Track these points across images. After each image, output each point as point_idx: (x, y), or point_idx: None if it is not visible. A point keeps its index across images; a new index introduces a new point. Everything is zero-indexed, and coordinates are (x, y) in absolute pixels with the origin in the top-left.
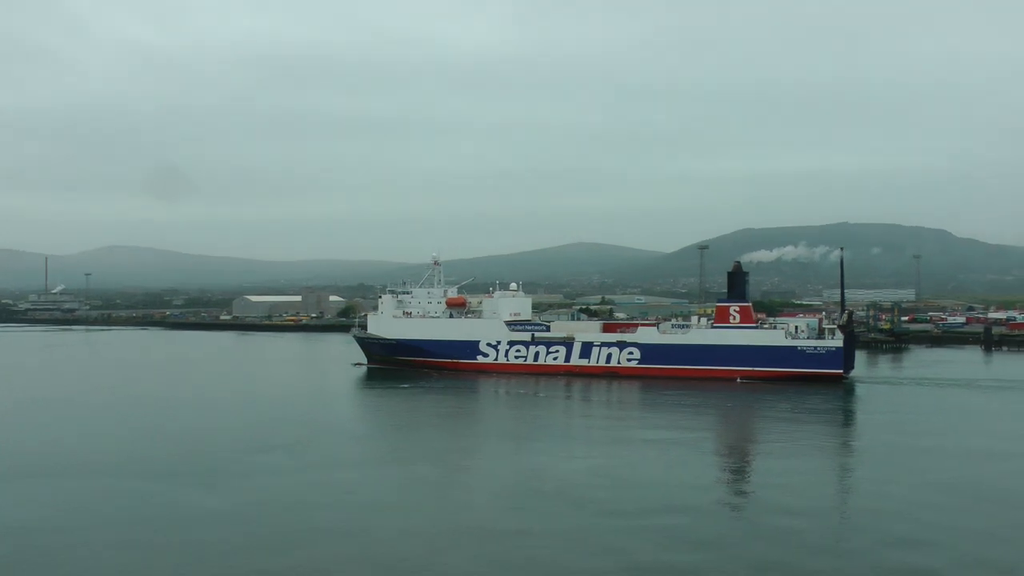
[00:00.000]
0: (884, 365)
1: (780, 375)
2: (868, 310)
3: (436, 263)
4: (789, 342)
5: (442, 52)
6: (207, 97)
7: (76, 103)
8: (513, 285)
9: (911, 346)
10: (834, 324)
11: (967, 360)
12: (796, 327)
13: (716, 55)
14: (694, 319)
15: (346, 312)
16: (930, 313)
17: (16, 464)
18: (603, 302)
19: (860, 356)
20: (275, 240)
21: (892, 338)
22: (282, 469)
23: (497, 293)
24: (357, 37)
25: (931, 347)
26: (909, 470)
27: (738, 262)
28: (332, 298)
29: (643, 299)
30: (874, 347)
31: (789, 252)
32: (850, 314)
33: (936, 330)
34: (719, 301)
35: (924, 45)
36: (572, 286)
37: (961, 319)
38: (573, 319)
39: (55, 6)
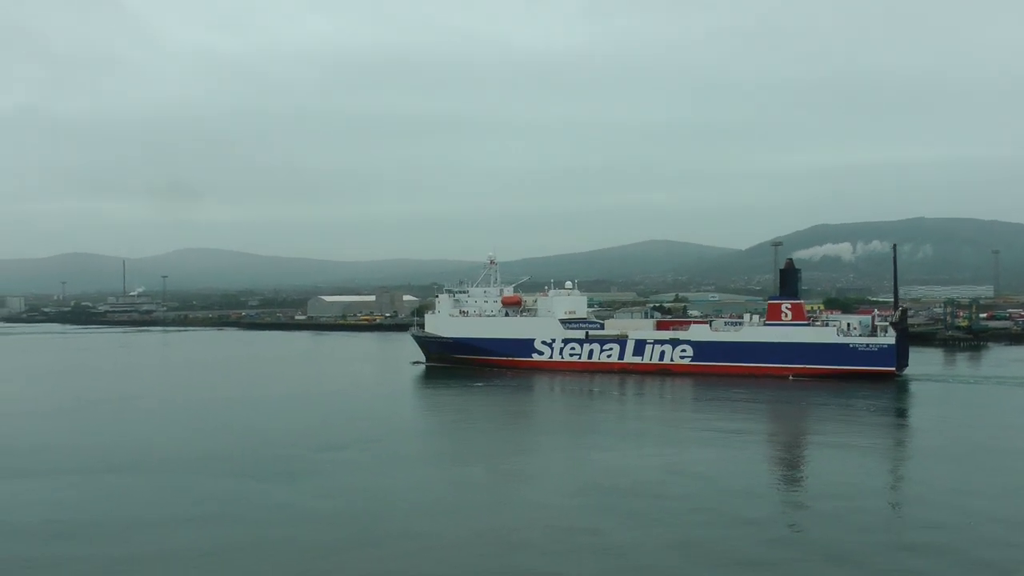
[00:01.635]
0: (961, 363)
1: (832, 372)
2: (945, 307)
3: (492, 262)
4: (841, 339)
5: (512, 51)
6: (278, 100)
7: (149, 110)
8: (568, 283)
9: (990, 344)
10: (887, 321)
11: None
12: (848, 324)
13: (788, 47)
14: (746, 316)
15: (420, 311)
16: (1009, 310)
17: (97, 460)
18: (677, 300)
19: (937, 354)
20: (349, 240)
21: (970, 336)
22: (356, 467)
23: (552, 292)
24: (427, 37)
25: (1010, 345)
26: (961, 468)
27: (790, 259)
28: (406, 297)
29: (717, 296)
30: (951, 345)
31: (856, 248)
32: (903, 311)
33: (1016, 327)
34: (770, 299)
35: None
36: (646, 284)
37: None
38: (646, 317)
39: (127, 16)
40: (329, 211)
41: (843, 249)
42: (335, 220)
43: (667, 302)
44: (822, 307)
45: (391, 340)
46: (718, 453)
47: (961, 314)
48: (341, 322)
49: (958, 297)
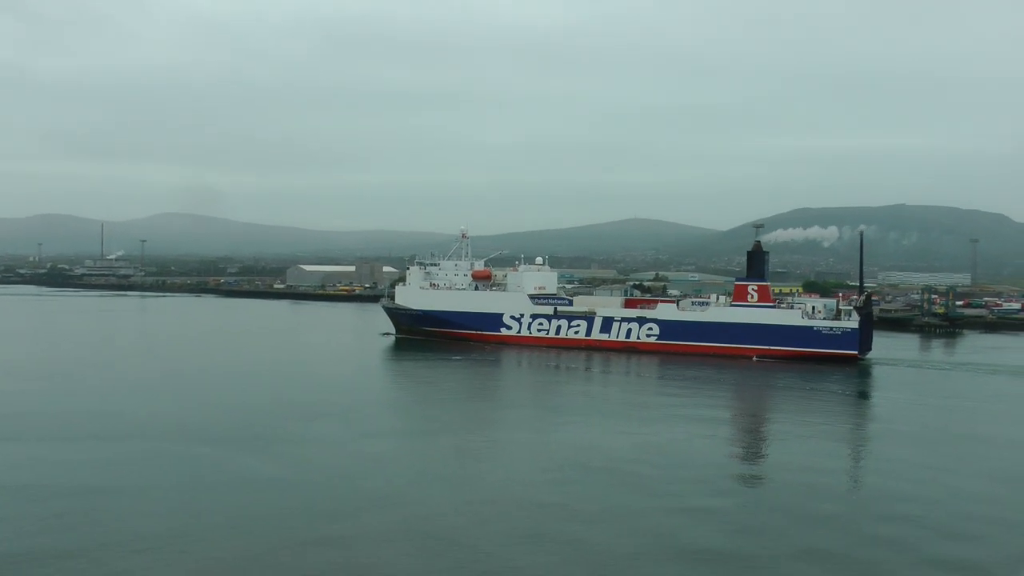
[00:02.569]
0: (936, 350)
1: (795, 354)
2: (922, 293)
3: (464, 236)
4: (805, 322)
5: (504, 25)
6: (264, 66)
7: (133, 72)
8: (539, 259)
9: (965, 331)
10: (851, 306)
11: (1021, 347)
12: (813, 307)
13: (779, 33)
14: (713, 297)
15: (400, 283)
16: (985, 298)
17: (73, 427)
18: (657, 279)
19: (912, 340)
20: (329, 210)
21: (946, 323)
22: (328, 438)
23: (522, 267)
24: (418, 9)
25: (985, 333)
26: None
27: (758, 241)
28: (386, 269)
29: (697, 276)
30: (927, 331)
31: (832, 232)
32: (868, 296)
33: (991, 316)
34: (737, 280)
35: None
36: (626, 262)
37: (1017, 305)
38: (626, 295)
39: None
40: (313, 180)
41: (824, 233)
42: (318, 190)
43: (647, 280)
44: (800, 290)
45: (369, 311)
46: (685, 431)
47: (938, 301)
48: (320, 292)
49: (936, 284)
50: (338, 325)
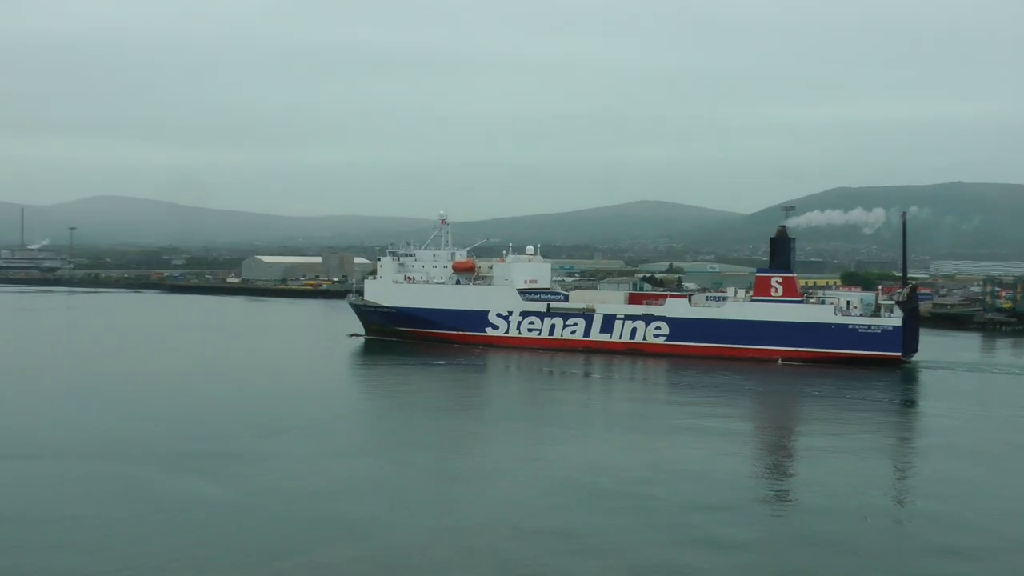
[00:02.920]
0: (1003, 351)
1: (827, 356)
2: (984, 285)
3: (444, 222)
4: (839, 319)
5: None
6: (211, 25)
7: (56, 33)
8: (529, 248)
9: None
10: (893, 300)
11: None
12: (848, 302)
13: None
14: (730, 291)
15: (371, 276)
16: None
17: None
18: (671, 270)
19: (973, 340)
20: (293, 193)
21: (1014, 319)
22: (289, 457)
23: (510, 257)
24: None
25: None
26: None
27: (782, 227)
28: (357, 260)
29: (717, 267)
30: (991, 329)
31: (877, 216)
32: (912, 288)
33: None
34: (758, 271)
35: None
36: (635, 251)
37: None
38: (636, 289)
39: None
40: (272, 158)
41: (866, 217)
42: (279, 169)
43: (659, 272)
44: (837, 282)
45: (337, 309)
46: (700, 450)
47: (1003, 294)
48: (281, 287)
49: (1000, 275)
50: (301, 325)
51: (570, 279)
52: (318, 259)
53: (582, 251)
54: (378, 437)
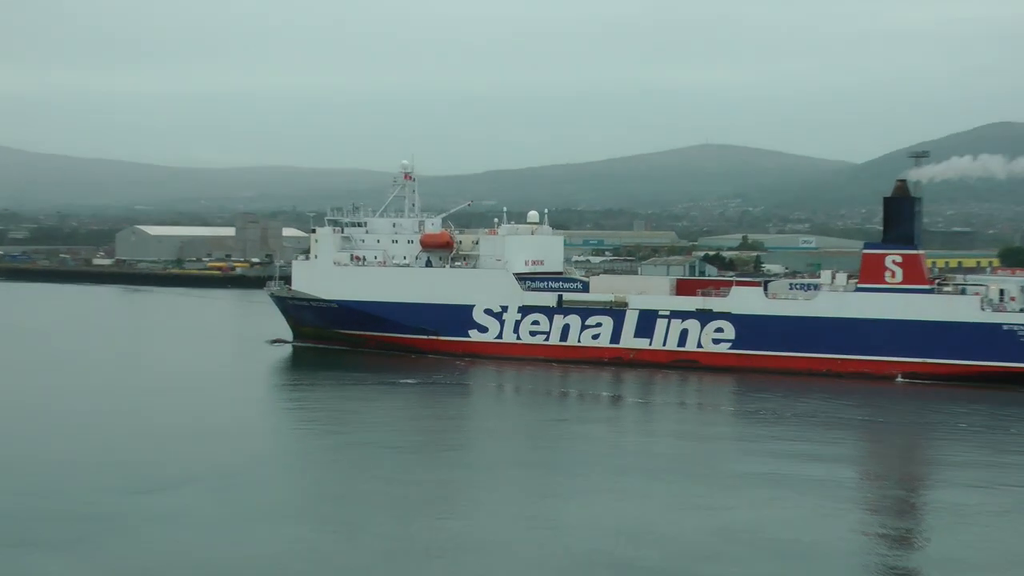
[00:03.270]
0: None
1: (971, 371)
2: None
3: (408, 176)
4: (989, 317)
5: None
6: None
7: None
8: (533, 214)
9: None
10: None
11: None
12: (1003, 292)
13: None
14: (825, 275)
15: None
16: None
17: None
18: (746, 245)
19: None
20: (191, 134)
21: None
22: (189, 521)
23: (504, 228)
24: None
25: None
26: None
27: (903, 181)
28: (288, 232)
29: (813, 241)
30: None
31: None
32: None
33: None
34: (867, 247)
35: None
36: (693, 218)
37: None
38: (694, 273)
39: None
40: (159, 81)
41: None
42: (170, 100)
43: (729, 249)
44: (995, 263)
45: (258, 304)
46: (789, 510)
47: None
48: (175, 271)
49: None
50: (205, 328)
51: (597, 259)
52: (230, 230)
53: (616, 219)
54: (315, 492)
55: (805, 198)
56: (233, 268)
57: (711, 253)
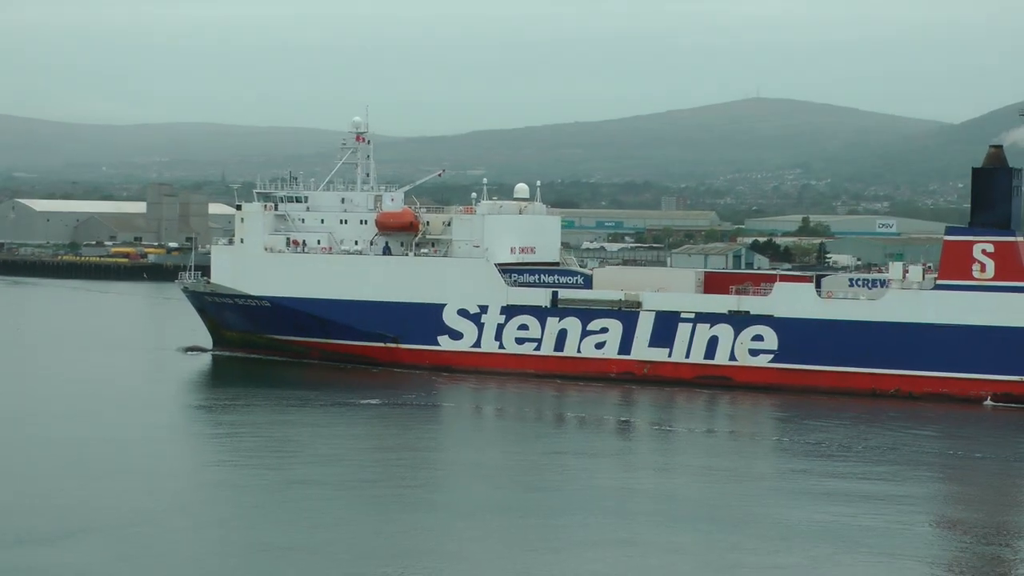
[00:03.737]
0: None
1: None
2: None
3: (359, 137)
4: None
5: None
6: None
7: None
8: (521, 188)
9: None
10: None
11: None
12: None
13: None
14: (895, 268)
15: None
16: None
17: None
18: (807, 229)
19: None
20: (85, 80)
21: None
22: None
23: (483, 205)
24: None
25: None
26: None
27: (997, 147)
28: (214, 208)
29: (893, 224)
30: None
31: None
32: None
33: None
34: (949, 232)
35: None
36: (737, 194)
37: None
38: (740, 265)
39: None
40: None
41: None
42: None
43: (783, 234)
44: None
45: (175, 301)
46: (856, 568)
47: None
48: (68, 259)
49: None
50: (103, 333)
51: (615, 247)
52: (139, 206)
53: (639, 195)
54: (243, 545)
55: (885, 169)
56: (144, 255)
57: (761, 239)
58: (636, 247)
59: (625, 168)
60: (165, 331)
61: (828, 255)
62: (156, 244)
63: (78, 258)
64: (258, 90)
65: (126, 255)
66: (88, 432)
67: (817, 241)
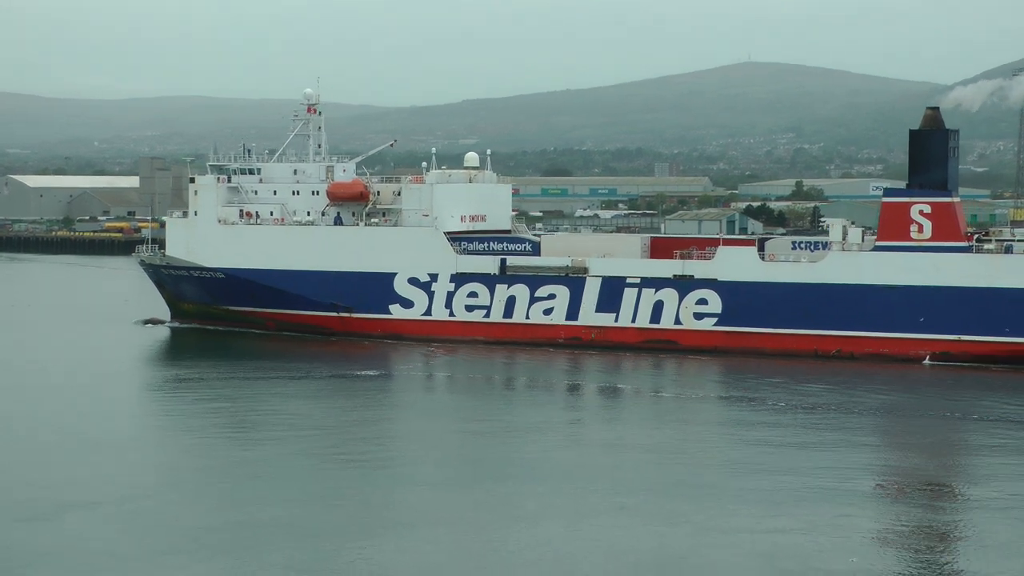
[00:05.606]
0: None
1: (1017, 352)
2: None
3: (311, 109)
4: None
5: None
6: None
7: None
8: (471, 156)
9: None
10: None
11: None
12: None
13: None
14: (835, 230)
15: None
16: None
17: None
18: (800, 193)
19: None
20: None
21: None
22: (91, 556)
23: (432, 174)
24: None
25: None
26: None
27: (933, 108)
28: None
29: (886, 186)
30: None
31: None
32: None
33: None
34: (887, 193)
35: None
36: (730, 160)
37: None
38: (734, 230)
39: None
40: None
41: None
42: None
43: (777, 199)
44: None
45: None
46: (797, 536)
47: None
48: (62, 234)
49: None
50: (74, 307)
51: (609, 214)
52: (132, 180)
53: (632, 161)
54: (221, 518)
55: (878, 132)
56: (138, 229)
57: (755, 204)
58: (630, 214)
59: (617, 135)
60: (140, 304)
61: (822, 218)
62: (149, 218)
63: (72, 234)
64: (248, 62)
65: (120, 230)
66: (51, 407)
67: (811, 205)
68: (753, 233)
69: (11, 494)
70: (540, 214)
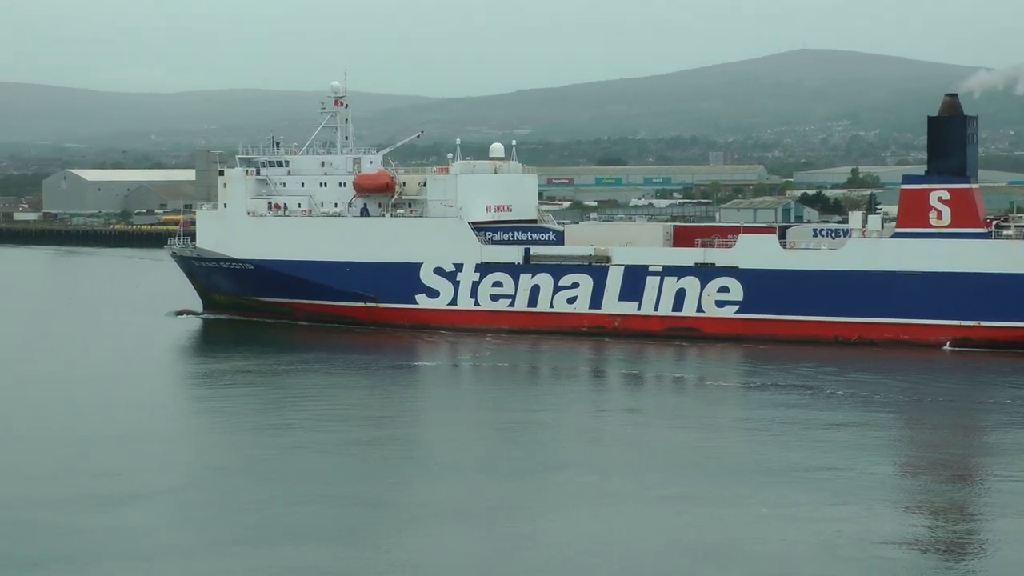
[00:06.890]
0: None
1: None
2: None
3: (338, 102)
4: None
5: None
6: None
7: None
8: (496, 146)
9: None
10: None
11: None
12: None
13: None
14: (855, 217)
15: (208, 205)
16: None
17: None
18: (855, 180)
19: None
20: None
21: None
22: (155, 546)
23: (457, 165)
24: None
25: None
26: None
27: (951, 96)
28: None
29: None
30: None
31: None
32: None
33: None
34: (906, 180)
35: None
36: (785, 147)
37: None
38: (789, 219)
39: None
40: None
41: None
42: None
43: (833, 187)
44: None
45: None
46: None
47: None
48: (120, 227)
49: None
50: (118, 299)
51: (663, 203)
52: (188, 173)
53: (687, 150)
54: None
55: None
56: (194, 222)
57: (811, 192)
58: (684, 203)
59: (671, 124)
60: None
61: (879, 206)
62: (206, 207)
63: (130, 227)
64: (303, 51)
65: (177, 223)
66: (87, 400)
67: (867, 192)
68: (809, 221)
69: (74, 484)
70: (595, 203)
